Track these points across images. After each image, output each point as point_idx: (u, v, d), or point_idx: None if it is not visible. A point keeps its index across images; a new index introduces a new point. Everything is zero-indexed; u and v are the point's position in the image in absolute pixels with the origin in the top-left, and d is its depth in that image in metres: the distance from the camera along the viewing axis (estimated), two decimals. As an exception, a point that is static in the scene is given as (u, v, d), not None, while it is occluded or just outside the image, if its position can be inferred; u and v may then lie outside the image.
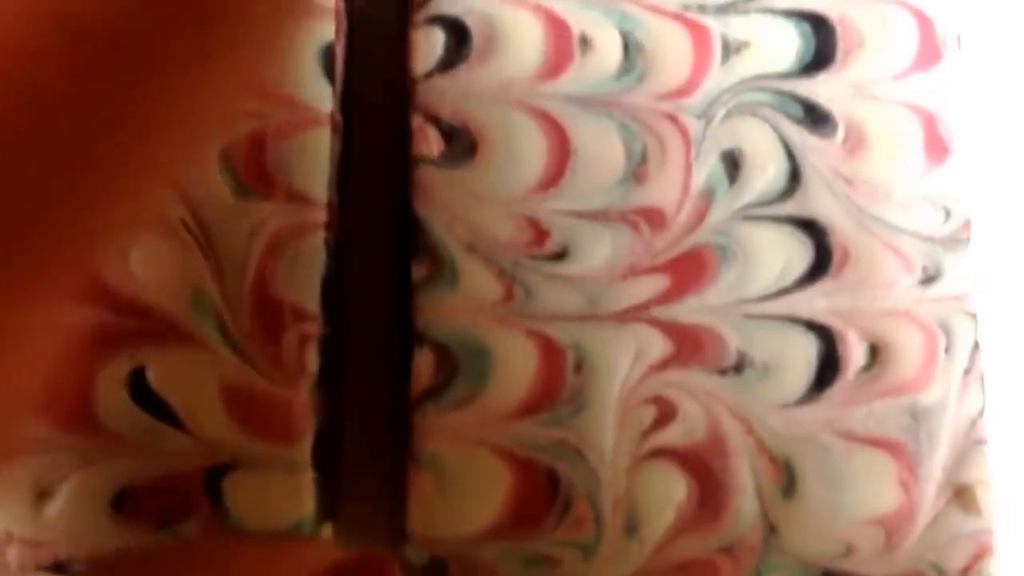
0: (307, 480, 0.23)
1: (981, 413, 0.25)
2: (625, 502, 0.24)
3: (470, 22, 0.26)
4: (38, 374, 0.14)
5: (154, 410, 0.23)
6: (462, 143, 0.25)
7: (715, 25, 0.26)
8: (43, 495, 0.23)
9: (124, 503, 0.23)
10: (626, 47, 0.26)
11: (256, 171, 0.24)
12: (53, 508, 0.23)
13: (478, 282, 0.25)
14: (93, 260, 0.14)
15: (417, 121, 0.25)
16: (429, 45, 0.25)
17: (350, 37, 0.27)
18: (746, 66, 0.26)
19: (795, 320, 0.25)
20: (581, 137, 0.25)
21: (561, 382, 0.25)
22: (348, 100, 0.26)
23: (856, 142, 0.26)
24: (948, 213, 0.26)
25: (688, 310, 0.25)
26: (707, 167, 0.26)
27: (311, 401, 0.24)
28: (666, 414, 0.25)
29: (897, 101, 0.26)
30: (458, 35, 0.25)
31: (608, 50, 0.26)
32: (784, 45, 0.26)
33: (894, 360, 0.25)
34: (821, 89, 0.26)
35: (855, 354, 0.25)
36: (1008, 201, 0.28)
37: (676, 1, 0.26)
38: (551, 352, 0.25)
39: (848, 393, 0.25)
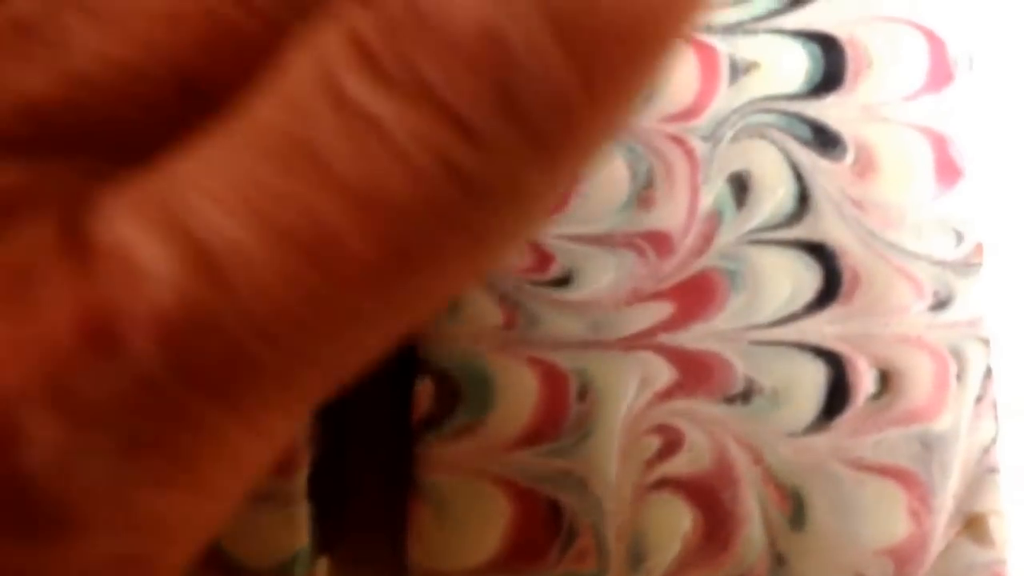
0: (302, 512, 0.23)
1: (993, 441, 0.25)
2: (630, 533, 0.24)
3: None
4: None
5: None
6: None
7: (722, 46, 0.26)
8: None
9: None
10: (631, 67, 0.25)
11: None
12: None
13: (480, 308, 0.24)
14: None
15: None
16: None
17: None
18: (754, 87, 0.26)
19: (804, 346, 0.25)
20: (585, 159, 0.25)
21: (564, 411, 0.24)
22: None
23: (866, 164, 0.26)
24: (960, 237, 0.26)
25: (695, 336, 0.25)
26: (714, 190, 0.25)
27: (307, 432, 0.23)
28: (672, 443, 0.24)
29: (908, 123, 0.26)
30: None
31: (613, 70, 0.25)
32: (793, 66, 0.26)
33: (905, 387, 0.25)
34: (830, 111, 0.26)
35: (865, 381, 0.25)
36: (1021, 224, 0.27)
37: (682, 20, 0.26)
38: (554, 380, 0.24)
39: (858, 421, 0.25)
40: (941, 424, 0.25)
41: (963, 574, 0.24)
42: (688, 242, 0.25)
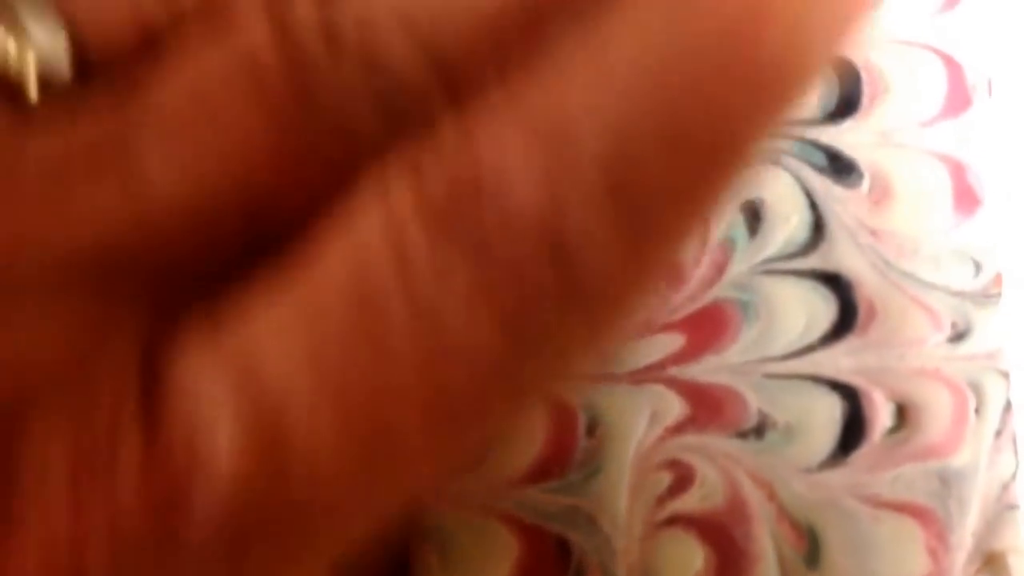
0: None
1: (1013, 477, 0.25)
2: (640, 572, 0.23)
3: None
4: None
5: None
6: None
7: (735, 71, 0.25)
8: None
9: None
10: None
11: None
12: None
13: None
14: None
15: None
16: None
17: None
18: (767, 113, 0.25)
19: (819, 379, 0.24)
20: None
21: (573, 446, 0.24)
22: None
23: (882, 192, 0.25)
24: (978, 267, 0.25)
25: (706, 369, 0.24)
26: (726, 218, 0.25)
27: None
28: (683, 479, 0.24)
29: (925, 149, 0.25)
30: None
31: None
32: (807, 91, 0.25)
33: (922, 421, 0.24)
34: (846, 137, 0.25)
35: (881, 415, 0.24)
36: (1041, 254, 0.27)
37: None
38: (562, 415, 0.24)
39: (874, 456, 0.24)
40: (959, 459, 0.24)
41: (982, 614, 0.24)
42: (699, 272, 0.25)
